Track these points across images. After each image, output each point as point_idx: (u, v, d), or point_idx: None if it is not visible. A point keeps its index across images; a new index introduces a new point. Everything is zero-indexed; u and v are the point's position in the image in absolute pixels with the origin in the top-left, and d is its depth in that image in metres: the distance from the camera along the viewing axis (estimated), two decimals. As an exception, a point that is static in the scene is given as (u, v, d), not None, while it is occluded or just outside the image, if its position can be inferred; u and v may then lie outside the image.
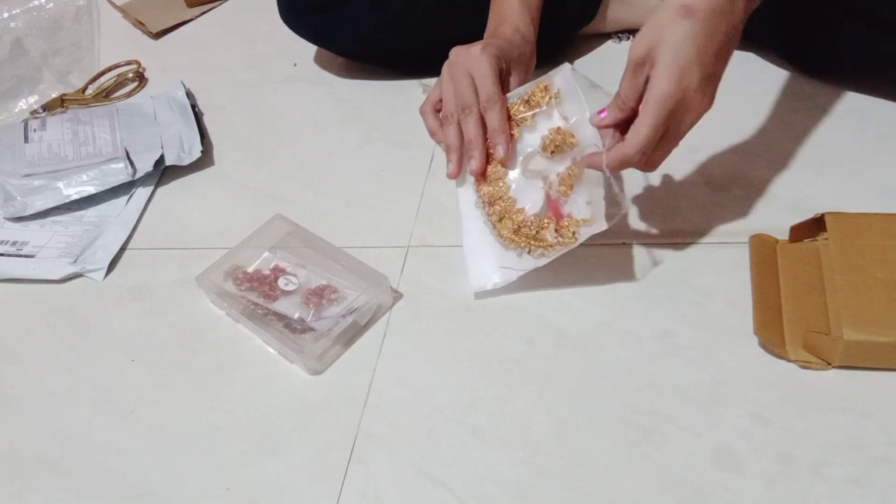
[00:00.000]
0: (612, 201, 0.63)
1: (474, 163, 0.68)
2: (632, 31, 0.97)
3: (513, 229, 0.67)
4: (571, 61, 0.94)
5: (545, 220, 0.66)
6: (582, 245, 0.71)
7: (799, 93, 0.84)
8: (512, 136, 0.68)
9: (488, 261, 0.69)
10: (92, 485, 0.62)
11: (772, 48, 0.88)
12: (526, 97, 0.68)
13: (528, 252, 0.67)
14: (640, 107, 0.59)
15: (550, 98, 0.67)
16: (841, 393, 0.58)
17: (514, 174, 0.68)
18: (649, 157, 0.61)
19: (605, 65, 0.73)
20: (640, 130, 0.58)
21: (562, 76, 0.67)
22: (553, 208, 0.66)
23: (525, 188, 0.67)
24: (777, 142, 0.79)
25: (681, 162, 0.78)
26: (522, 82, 0.72)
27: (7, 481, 0.63)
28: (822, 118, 0.81)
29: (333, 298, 0.70)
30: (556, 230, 0.65)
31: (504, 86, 0.70)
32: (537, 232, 0.66)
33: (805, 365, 0.60)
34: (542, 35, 0.92)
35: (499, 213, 0.68)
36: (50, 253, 0.82)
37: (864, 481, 0.53)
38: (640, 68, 0.59)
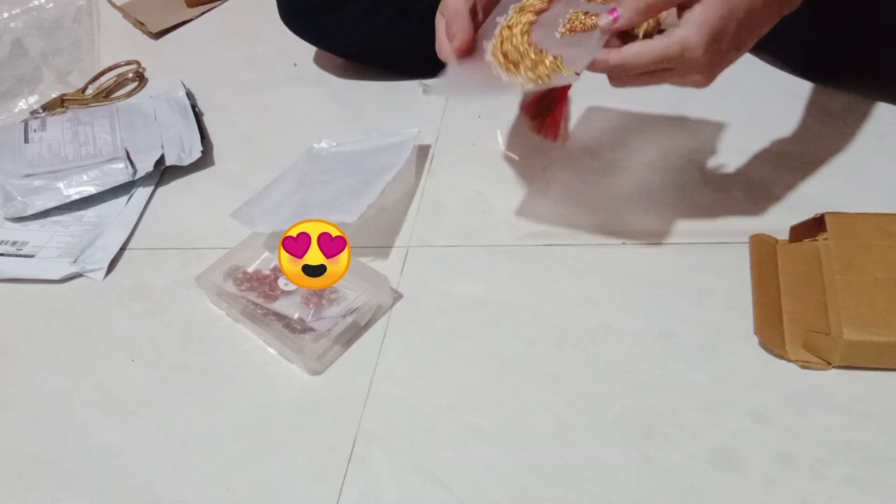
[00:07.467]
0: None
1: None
2: (632, 31, 0.96)
3: (503, 51, 0.64)
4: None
5: (535, 52, 0.62)
6: (582, 245, 0.72)
7: (799, 93, 0.84)
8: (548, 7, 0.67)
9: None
10: (92, 485, 0.62)
11: (769, 50, 0.88)
12: None
13: (507, 73, 0.62)
14: (663, 37, 0.58)
15: None
16: (841, 393, 0.58)
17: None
18: (624, 77, 0.61)
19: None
20: (649, 54, 0.58)
21: None
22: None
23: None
24: (777, 142, 0.79)
25: (681, 162, 0.78)
26: None
27: (7, 481, 0.63)
28: (822, 118, 0.81)
29: (333, 298, 0.70)
30: (532, 67, 0.62)
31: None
32: (518, 63, 0.62)
33: (805, 365, 0.60)
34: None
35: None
36: (50, 253, 0.82)
37: (864, 481, 0.53)
38: None
